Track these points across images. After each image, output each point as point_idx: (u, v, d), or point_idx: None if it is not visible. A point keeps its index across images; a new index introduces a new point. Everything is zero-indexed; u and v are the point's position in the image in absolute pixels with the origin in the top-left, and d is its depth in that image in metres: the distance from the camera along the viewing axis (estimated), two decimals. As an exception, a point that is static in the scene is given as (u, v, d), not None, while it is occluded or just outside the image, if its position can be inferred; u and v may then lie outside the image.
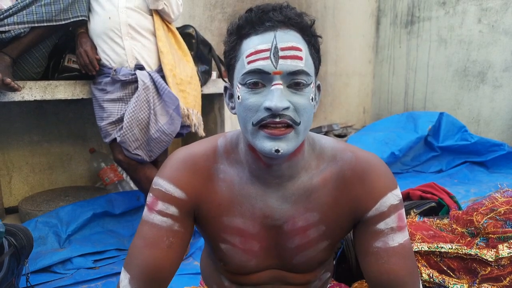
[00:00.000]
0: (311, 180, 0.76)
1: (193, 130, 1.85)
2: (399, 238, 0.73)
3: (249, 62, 0.65)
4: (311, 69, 0.67)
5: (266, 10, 0.66)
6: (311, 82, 0.67)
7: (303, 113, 0.66)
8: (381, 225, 0.74)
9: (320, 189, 0.76)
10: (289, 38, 0.65)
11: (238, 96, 0.67)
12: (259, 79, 0.65)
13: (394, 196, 0.75)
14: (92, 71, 1.66)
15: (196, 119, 1.84)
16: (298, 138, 0.67)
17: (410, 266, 0.74)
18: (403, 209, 0.76)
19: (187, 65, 1.86)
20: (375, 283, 0.74)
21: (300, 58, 0.64)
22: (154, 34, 1.72)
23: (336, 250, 1.25)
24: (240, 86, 0.67)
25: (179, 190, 0.75)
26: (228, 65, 0.72)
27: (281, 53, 0.63)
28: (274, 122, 0.63)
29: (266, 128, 0.65)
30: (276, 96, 0.62)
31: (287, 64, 0.63)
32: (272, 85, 0.64)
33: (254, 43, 0.65)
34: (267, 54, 0.63)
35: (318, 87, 0.75)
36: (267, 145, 0.65)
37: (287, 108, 0.63)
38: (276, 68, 0.63)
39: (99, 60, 1.67)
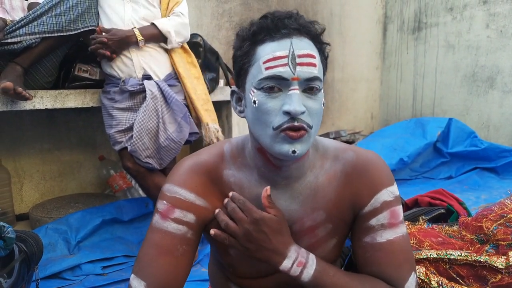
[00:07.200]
0: (317, 179, 0.79)
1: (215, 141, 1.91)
2: (388, 235, 0.75)
3: (267, 68, 0.66)
4: (322, 75, 0.70)
5: (282, 17, 0.68)
6: (322, 88, 0.70)
7: (316, 117, 0.69)
8: (373, 221, 0.77)
9: (325, 187, 0.79)
10: (304, 46, 0.67)
11: (254, 101, 0.68)
12: (276, 84, 0.66)
13: (389, 193, 0.77)
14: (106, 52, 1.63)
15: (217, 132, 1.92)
16: (310, 140, 0.69)
17: (398, 261, 0.75)
18: (399, 206, 0.78)
19: (199, 81, 1.90)
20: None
21: (314, 65, 0.67)
22: (160, 45, 1.75)
23: (344, 257, 1.24)
24: (255, 90, 0.69)
25: (200, 198, 0.76)
26: (239, 70, 0.73)
27: (298, 60, 0.66)
28: (294, 126, 0.65)
29: (287, 131, 0.66)
30: (295, 101, 0.65)
31: (303, 70, 0.66)
32: (290, 90, 0.66)
33: (271, 49, 0.67)
34: (285, 60, 0.66)
35: None
36: (285, 147, 0.67)
37: (304, 112, 0.66)
38: (294, 74, 0.66)
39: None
